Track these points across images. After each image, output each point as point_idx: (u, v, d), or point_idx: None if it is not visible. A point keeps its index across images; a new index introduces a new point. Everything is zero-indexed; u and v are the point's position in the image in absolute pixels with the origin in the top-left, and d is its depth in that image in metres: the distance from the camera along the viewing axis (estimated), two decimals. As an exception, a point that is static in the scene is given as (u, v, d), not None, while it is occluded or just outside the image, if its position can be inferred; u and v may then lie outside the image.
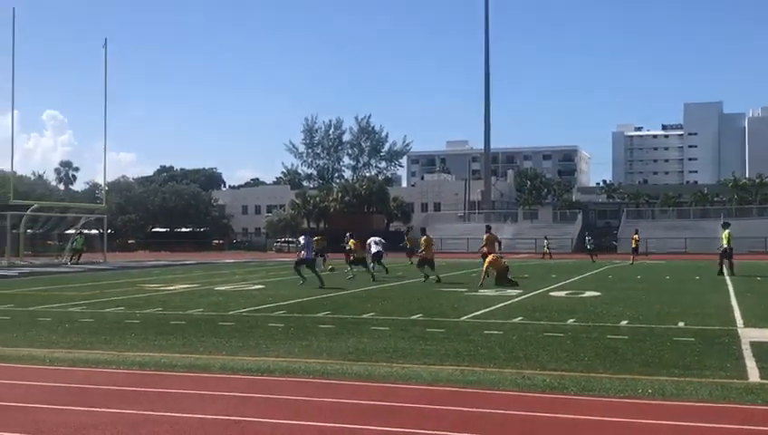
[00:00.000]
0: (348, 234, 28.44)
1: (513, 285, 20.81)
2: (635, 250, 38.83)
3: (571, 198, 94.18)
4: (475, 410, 6.76)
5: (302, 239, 23.20)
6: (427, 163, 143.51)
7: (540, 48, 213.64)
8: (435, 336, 11.39)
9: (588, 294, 18.90)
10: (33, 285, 24.53)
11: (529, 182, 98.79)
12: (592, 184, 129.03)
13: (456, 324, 12.90)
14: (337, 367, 8.82)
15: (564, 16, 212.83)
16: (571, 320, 13.26)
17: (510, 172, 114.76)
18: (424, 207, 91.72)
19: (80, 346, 10.71)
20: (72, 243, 44.05)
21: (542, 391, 7.54)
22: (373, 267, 26.68)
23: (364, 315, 14.22)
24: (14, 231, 45.11)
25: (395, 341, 10.92)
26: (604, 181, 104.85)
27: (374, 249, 28.18)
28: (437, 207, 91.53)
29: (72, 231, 49.77)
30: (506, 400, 7.16)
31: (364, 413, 6.65)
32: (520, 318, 13.59)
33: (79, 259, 42.09)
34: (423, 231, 26.39)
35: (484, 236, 25.71)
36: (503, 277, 21.42)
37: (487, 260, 21.92)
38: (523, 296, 18.06)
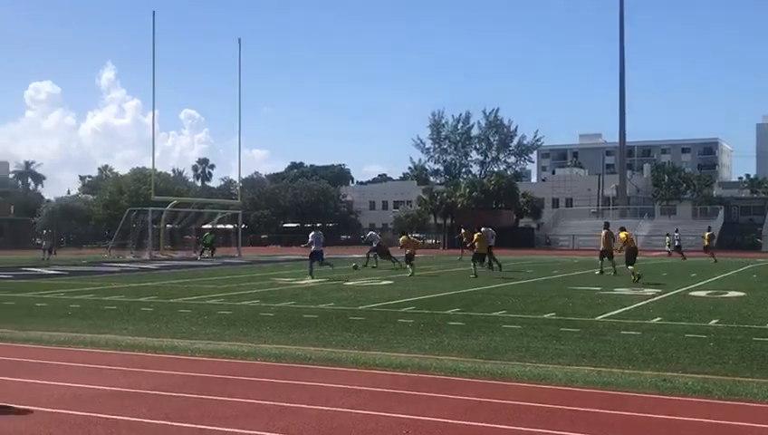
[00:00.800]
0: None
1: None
2: None
3: (712, 194, 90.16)
4: (613, 412, 6.61)
5: (311, 236, 25.34)
6: (559, 157, 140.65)
7: (678, 33, 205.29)
8: (569, 336, 11.19)
9: (731, 294, 18.07)
10: (173, 278, 25.73)
11: (667, 177, 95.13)
12: (734, 178, 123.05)
13: (591, 324, 12.62)
14: (469, 365, 8.81)
15: None
16: (714, 321, 12.73)
17: (646, 166, 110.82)
18: (555, 203, 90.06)
19: (218, 338, 11.16)
20: (203, 239, 45.94)
21: (683, 394, 7.28)
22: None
23: (495, 313, 14.13)
24: (154, 226, 47.48)
25: (527, 340, 10.80)
26: (747, 176, 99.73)
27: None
28: (569, 202, 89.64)
29: (208, 226, 51.91)
30: (647, 403, 6.94)
31: (497, 412, 6.62)
32: (658, 319, 13.15)
33: (212, 254, 43.78)
34: (478, 229, 26.42)
35: (603, 233, 25.27)
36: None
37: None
38: (662, 296, 17.47)
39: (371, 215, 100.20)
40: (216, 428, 6.01)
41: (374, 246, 31.84)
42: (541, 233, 73.41)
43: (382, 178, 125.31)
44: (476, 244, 25.28)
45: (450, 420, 6.29)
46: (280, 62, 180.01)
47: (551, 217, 79.49)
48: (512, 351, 9.82)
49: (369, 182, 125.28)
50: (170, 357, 9.51)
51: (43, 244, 45.33)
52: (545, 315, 13.78)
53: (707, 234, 39.31)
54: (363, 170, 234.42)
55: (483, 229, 26.67)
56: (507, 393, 7.33)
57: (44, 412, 6.48)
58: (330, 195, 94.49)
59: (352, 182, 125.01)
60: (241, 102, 58.37)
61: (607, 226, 26.60)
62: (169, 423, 6.15)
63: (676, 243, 42.66)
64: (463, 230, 32.30)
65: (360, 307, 15.25)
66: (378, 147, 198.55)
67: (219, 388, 7.52)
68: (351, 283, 22.32)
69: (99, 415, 6.38)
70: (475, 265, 24.69)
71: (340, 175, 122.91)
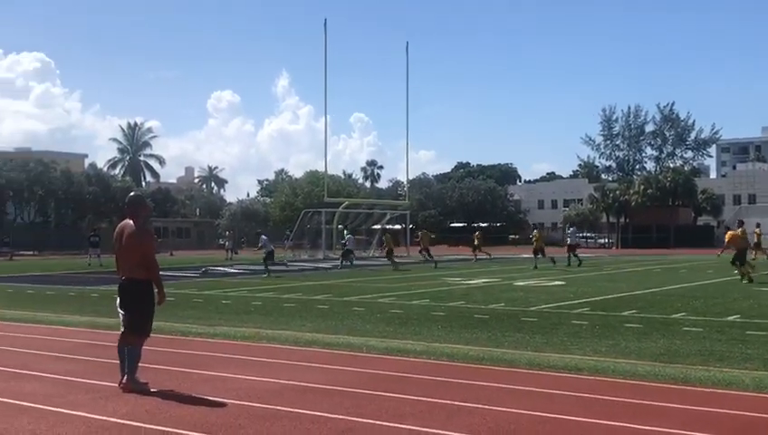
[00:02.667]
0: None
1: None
2: None
3: None
4: (810, 423, 6.18)
5: (261, 240, 29.10)
6: (740, 152, 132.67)
7: None
8: (756, 339, 10.56)
9: None
10: (347, 276, 26.47)
11: None
12: None
13: (781, 328, 11.84)
14: (648, 368, 8.50)
15: None
16: None
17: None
18: (736, 200, 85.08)
19: (391, 335, 11.37)
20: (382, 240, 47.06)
21: None
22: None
23: (674, 315, 13.56)
24: (327, 226, 49.00)
25: (710, 343, 10.30)
26: None
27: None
28: (752, 199, 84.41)
29: (377, 226, 52.98)
30: None
31: (681, 418, 6.35)
32: None
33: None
34: (534, 226, 27.08)
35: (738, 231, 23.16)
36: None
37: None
38: None
39: (540, 214, 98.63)
40: (394, 424, 6.13)
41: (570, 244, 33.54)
42: (720, 231, 69.55)
43: (551, 177, 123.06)
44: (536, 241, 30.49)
45: (630, 425, 6.09)
46: (446, 62, 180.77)
47: (732, 214, 75.09)
48: (693, 355, 9.39)
49: (537, 181, 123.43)
50: (346, 354, 9.79)
51: (227, 244, 48.05)
52: (729, 318, 13.08)
53: None
54: (531, 169, 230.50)
55: (570, 229, 29.97)
56: (691, 398, 7.02)
57: (234, 404, 6.86)
58: (497, 194, 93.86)
59: (519, 181, 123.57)
60: (408, 105, 59.10)
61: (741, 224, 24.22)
62: (349, 418, 6.33)
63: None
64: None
65: (532, 308, 15.07)
66: (546, 144, 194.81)
67: (395, 385, 7.66)
68: (522, 283, 22.09)
69: (283, 408, 6.67)
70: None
71: (507, 174, 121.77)
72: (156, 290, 7.83)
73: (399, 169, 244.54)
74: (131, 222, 7.80)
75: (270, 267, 27.96)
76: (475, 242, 40.75)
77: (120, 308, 7.79)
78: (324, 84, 47.68)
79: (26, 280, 25.84)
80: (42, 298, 18.78)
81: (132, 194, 8.38)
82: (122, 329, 7.78)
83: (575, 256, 32.34)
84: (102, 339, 10.96)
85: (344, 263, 33.28)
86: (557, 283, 22.11)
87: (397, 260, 32.62)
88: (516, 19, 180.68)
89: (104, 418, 6.38)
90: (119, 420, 6.31)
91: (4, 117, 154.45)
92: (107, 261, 30.90)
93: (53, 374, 8.38)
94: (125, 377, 7.53)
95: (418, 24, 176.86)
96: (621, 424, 6.14)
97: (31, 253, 58.56)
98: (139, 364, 7.65)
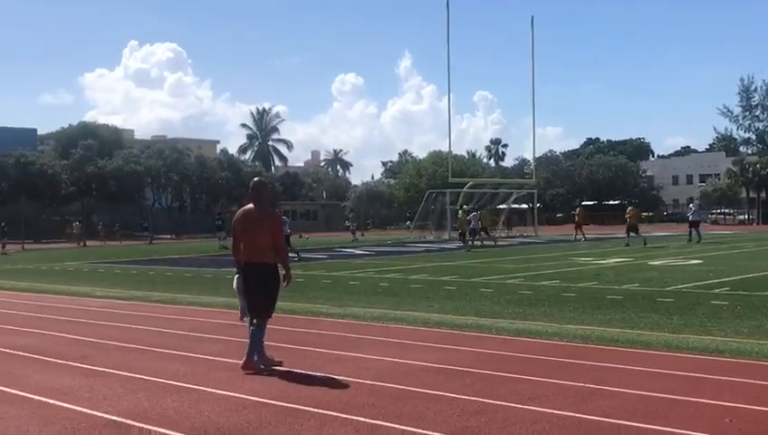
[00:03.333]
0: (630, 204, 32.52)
1: None
2: None
3: None
4: None
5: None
6: None
7: None
8: None
9: None
10: (474, 257, 26.37)
11: None
12: None
13: None
14: (796, 351, 8.08)
15: None
16: None
17: None
18: None
19: (521, 317, 11.25)
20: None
21: None
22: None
23: (824, 295, 12.81)
24: (451, 207, 48.96)
25: None
26: None
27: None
28: None
29: (503, 206, 52.51)
30: None
31: (835, 405, 6.01)
32: None
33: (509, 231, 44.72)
34: (630, 203, 26.88)
35: None
36: None
37: None
38: None
39: (674, 190, 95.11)
40: (526, 406, 6.07)
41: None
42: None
43: (685, 151, 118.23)
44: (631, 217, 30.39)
45: (779, 411, 5.82)
46: (572, 35, 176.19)
47: None
48: None
49: (671, 155, 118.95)
50: (476, 335, 9.76)
51: (352, 226, 49.00)
52: None
53: None
54: (665, 143, 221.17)
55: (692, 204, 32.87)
56: None
57: (366, 384, 6.97)
58: (629, 170, 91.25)
59: (653, 156, 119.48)
60: (534, 81, 58.03)
61: None
62: (481, 400, 6.32)
63: None
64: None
65: (668, 288, 14.56)
66: (679, 118, 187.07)
67: (527, 367, 7.59)
68: (657, 262, 21.39)
69: (416, 389, 6.73)
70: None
71: (639, 149, 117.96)
72: (282, 273, 7.97)
73: (525, 147, 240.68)
74: (255, 206, 7.90)
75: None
76: (576, 220, 39.16)
77: (244, 291, 7.96)
78: (447, 64, 47.69)
79: (165, 263, 27.11)
80: (180, 280, 19.64)
81: (256, 179, 8.51)
82: (242, 310, 8.10)
83: (697, 232, 32.10)
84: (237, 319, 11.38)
85: (472, 242, 33.06)
86: (694, 262, 21.28)
87: (471, 241, 32.90)
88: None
89: (242, 396, 6.63)
90: (255, 398, 6.53)
91: (140, 106, 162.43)
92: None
93: (195, 354, 8.76)
94: (246, 357, 7.71)
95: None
96: (766, 409, 5.87)
97: (168, 236, 61.42)
98: (272, 344, 7.88)
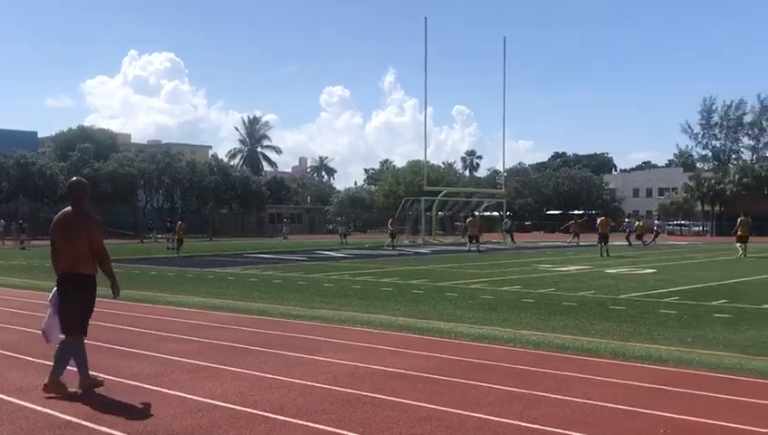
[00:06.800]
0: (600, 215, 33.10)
1: None
2: None
3: None
4: None
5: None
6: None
7: None
8: None
9: None
10: (443, 262, 26.19)
11: None
12: None
13: None
14: (734, 361, 7.95)
15: None
16: None
17: None
18: (836, 189, 80.00)
19: (480, 322, 11.05)
20: (504, 225, 47.00)
21: None
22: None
23: (765, 305, 12.74)
24: (427, 214, 48.86)
25: (803, 336, 9.57)
26: None
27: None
28: None
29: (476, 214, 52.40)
30: None
31: (765, 415, 5.87)
32: None
33: (513, 240, 44.76)
34: (598, 214, 27.08)
35: None
36: None
37: None
38: None
39: (635, 202, 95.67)
40: (471, 413, 5.89)
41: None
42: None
43: (646, 166, 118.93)
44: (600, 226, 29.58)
45: (711, 421, 5.67)
46: (542, 54, 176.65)
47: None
48: (784, 348, 8.73)
49: (632, 170, 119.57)
50: (435, 339, 9.57)
51: (339, 229, 48.97)
52: (825, 310, 12.17)
53: None
54: (628, 158, 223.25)
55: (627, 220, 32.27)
56: (779, 396, 6.49)
57: (321, 388, 6.75)
58: (592, 183, 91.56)
59: (615, 170, 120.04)
60: (505, 97, 58.18)
61: None
62: (429, 406, 6.12)
63: None
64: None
65: (622, 296, 14.44)
66: (642, 134, 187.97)
67: (479, 374, 7.40)
68: (614, 270, 21.32)
69: (368, 394, 6.52)
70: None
71: (603, 163, 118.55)
72: (110, 283, 6.74)
73: (498, 159, 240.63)
74: (73, 210, 6.64)
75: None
76: (570, 230, 42.90)
77: (57, 305, 6.60)
78: (424, 78, 47.62)
79: (151, 262, 26.71)
80: (162, 279, 19.30)
81: (74, 178, 7.02)
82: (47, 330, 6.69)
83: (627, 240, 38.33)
84: (213, 320, 11.14)
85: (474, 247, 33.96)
86: (648, 270, 21.22)
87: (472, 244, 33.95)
88: (612, 9, 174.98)
89: (199, 398, 6.38)
90: (211, 401, 6.29)
91: (138, 112, 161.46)
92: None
93: (161, 354, 8.50)
94: (50, 377, 6.47)
95: (515, 18, 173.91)
96: (701, 420, 5.71)
97: (160, 236, 60.71)
98: (240, 346, 7.63)
